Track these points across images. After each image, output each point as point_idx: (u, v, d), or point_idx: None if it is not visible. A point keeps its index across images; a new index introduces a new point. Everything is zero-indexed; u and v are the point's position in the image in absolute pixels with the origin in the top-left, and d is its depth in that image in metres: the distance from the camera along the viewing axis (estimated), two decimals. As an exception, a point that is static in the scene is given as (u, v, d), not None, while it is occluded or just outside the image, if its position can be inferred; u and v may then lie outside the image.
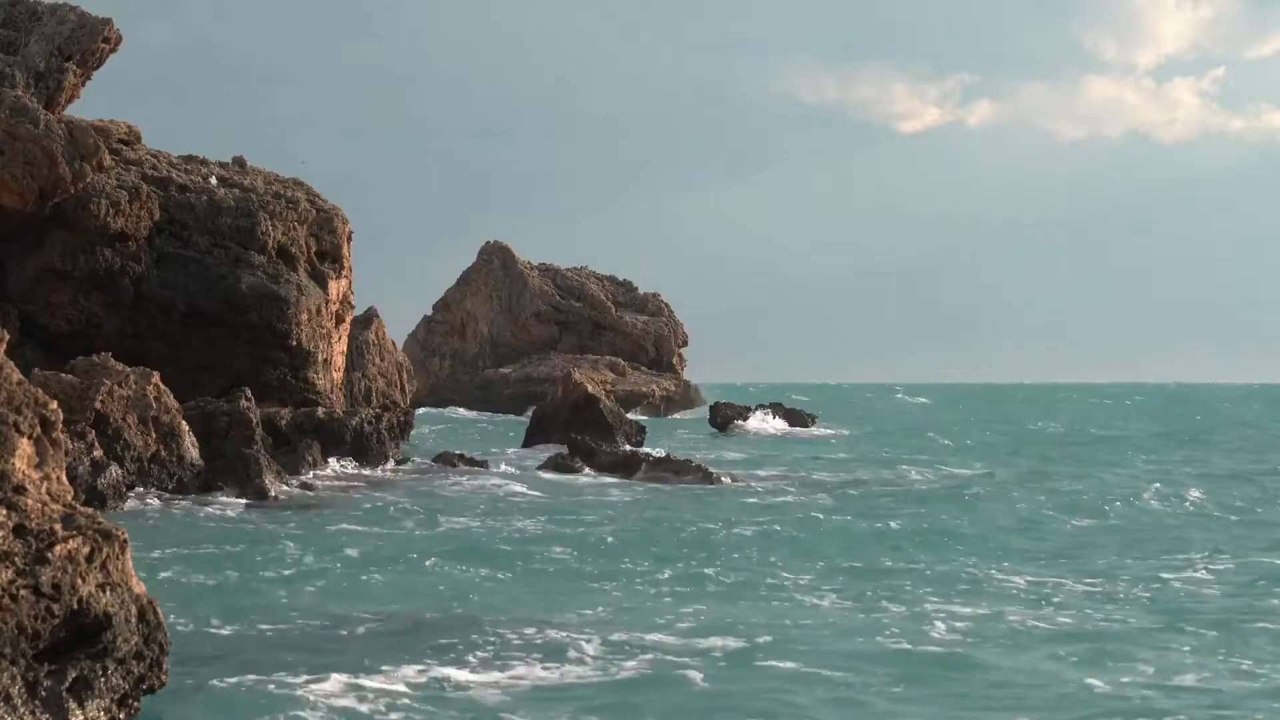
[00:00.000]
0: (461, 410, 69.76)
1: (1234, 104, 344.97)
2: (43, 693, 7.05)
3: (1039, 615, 14.19)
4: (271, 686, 10.80)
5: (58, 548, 7.23)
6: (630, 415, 45.21)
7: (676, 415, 69.87)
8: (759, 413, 56.09)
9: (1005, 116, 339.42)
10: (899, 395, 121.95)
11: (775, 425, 55.10)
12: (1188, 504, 26.00)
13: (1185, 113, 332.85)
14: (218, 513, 21.74)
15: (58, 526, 7.34)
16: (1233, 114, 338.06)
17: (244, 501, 22.50)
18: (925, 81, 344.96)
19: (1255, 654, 12.40)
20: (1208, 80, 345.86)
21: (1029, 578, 16.81)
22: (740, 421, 54.77)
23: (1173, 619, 14.01)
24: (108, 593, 7.30)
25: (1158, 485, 28.56)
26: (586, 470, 30.39)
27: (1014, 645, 12.70)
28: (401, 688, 10.85)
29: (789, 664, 11.80)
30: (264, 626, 13.29)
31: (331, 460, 26.95)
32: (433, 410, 65.28)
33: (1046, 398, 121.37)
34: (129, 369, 23.05)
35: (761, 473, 32.65)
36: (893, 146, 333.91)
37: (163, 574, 15.86)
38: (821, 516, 23.41)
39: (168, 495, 22.63)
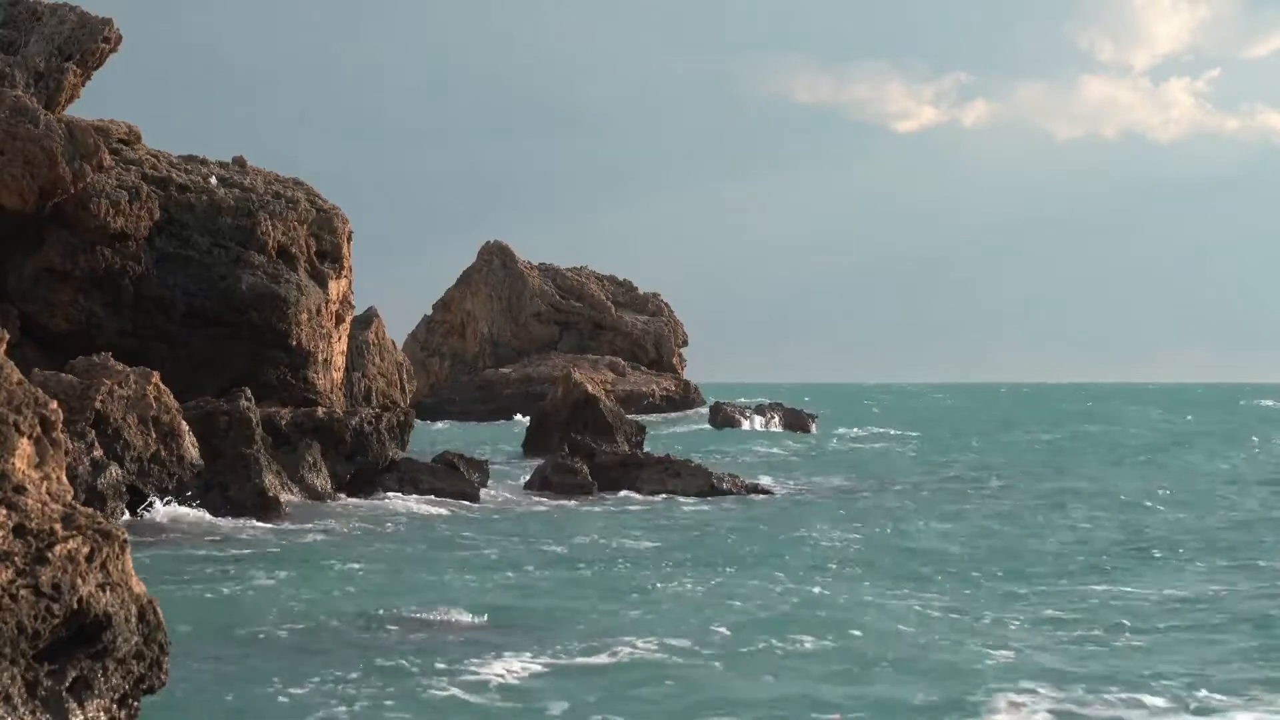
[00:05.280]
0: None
1: (1229, 104, 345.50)
2: (43, 692, 7.04)
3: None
4: (278, 693, 10.80)
5: (58, 547, 7.22)
6: (631, 415, 45.18)
7: (676, 415, 69.89)
8: (757, 417, 55.99)
9: (1001, 116, 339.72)
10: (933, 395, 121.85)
11: (774, 427, 55.08)
12: None
13: (1181, 113, 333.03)
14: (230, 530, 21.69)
15: (58, 526, 7.33)
16: (1228, 114, 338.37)
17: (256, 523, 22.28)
18: (921, 81, 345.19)
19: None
20: (1203, 80, 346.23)
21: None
22: (742, 421, 54.77)
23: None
24: (108, 592, 7.29)
25: None
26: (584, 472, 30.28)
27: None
28: (418, 692, 10.85)
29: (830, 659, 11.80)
30: (282, 632, 13.28)
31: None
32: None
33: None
34: (129, 369, 23.02)
35: (762, 475, 32.66)
36: (889, 146, 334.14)
37: (175, 584, 15.86)
38: (831, 514, 23.42)
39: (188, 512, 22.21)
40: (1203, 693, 10.83)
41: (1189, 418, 72.62)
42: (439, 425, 58.73)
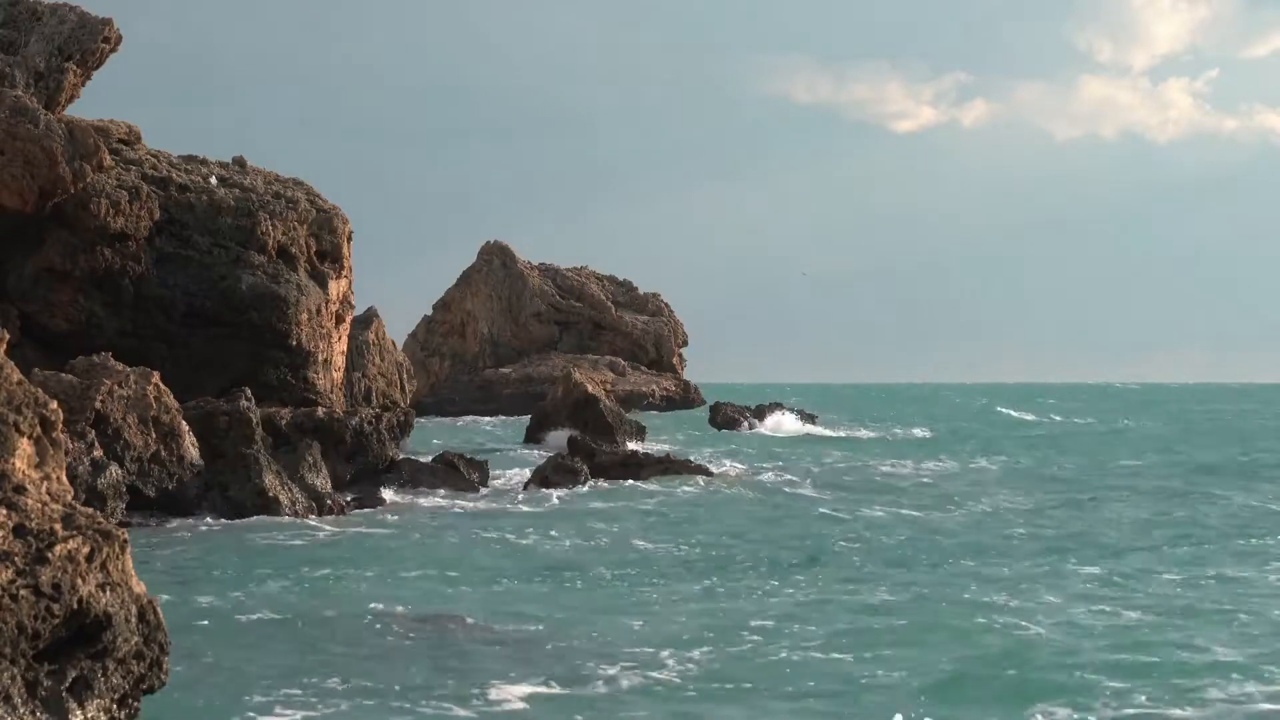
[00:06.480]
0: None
1: (1228, 104, 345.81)
2: (43, 693, 7.03)
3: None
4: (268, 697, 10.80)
5: (58, 548, 7.21)
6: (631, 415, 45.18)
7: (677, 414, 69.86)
8: (776, 413, 56.06)
9: (1000, 116, 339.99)
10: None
11: (790, 424, 55.07)
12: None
13: (1179, 113, 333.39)
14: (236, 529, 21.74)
15: (58, 526, 7.33)
16: (1226, 114, 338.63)
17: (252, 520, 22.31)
18: (920, 81, 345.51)
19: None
20: (1202, 81, 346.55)
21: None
22: (742, 421, 54.76)
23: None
24: (108, 592, 7.29)
25: None
26: (585, 472, 30.26)
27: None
28: (413, 700, 10.84)
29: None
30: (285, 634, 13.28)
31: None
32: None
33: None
34: (129, 369, 23.01)
35: (762, 474, 32.66)
36: (888, 146, 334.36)
37: (175, 584, 15.86)
38: (829, 514, 23.41)
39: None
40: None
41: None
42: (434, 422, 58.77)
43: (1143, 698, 10.65)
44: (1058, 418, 73.96)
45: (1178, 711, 10.37)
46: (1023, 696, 10.68)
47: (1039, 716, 10.19)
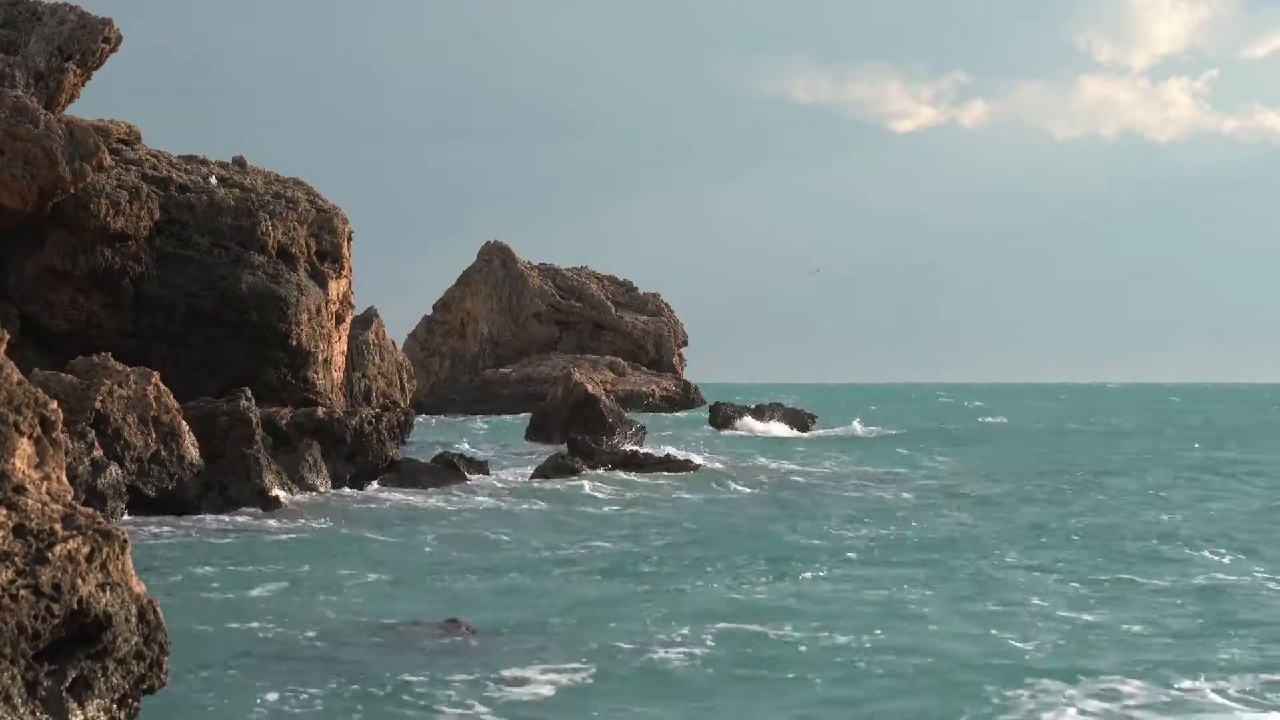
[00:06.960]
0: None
1: (1228, 104, 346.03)
2: (43, 693, 7.04)
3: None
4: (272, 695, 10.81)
5: (58, 548, 7.22)
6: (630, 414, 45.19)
7: (677, 414, 69.82)
8: (775, 413, 56.14)
9: (1000, 116, 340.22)
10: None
11: (790, 424, 55.14)
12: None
13: (1179, 113, 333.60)
14: (238, 524, 21.75)
15: (58, 526, 7.34)
16: (1226, 114, 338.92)
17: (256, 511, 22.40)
18: (920, 81, 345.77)
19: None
20: (1202, 81, 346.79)
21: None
22: (742, 421, 54.82)
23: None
24: (108, 593, 7.29)
25: None
26: (586, 471, 30.28)
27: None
28: (409, 704, 10.84)
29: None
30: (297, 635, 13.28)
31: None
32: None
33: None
34: (129, 369, 23.03)
35: (760, 472, 32.68)
36: (888, 146, 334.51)
37: (175, 584, 15.86)
38: (822, 513, 23.43)
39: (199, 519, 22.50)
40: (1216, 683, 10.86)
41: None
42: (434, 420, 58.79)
43: (1138, 694, 10.67)
44: (1040, 422, 74.00)
45: (1174, 709, 10.39)
46: (1015, 689, 10.70)
47: (1033, 708, 10.21)
